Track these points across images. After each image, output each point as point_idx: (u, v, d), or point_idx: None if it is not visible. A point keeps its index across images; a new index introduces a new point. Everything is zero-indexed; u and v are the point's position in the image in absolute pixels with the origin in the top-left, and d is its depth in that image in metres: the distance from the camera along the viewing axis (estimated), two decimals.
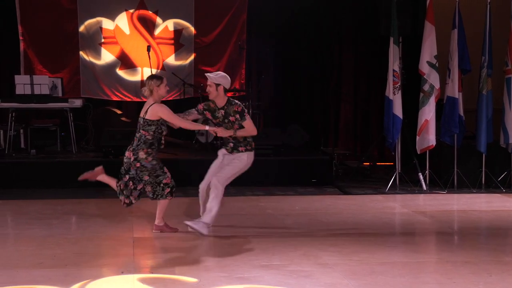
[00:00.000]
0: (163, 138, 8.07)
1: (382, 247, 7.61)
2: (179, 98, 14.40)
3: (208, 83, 8.15)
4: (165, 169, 8.07)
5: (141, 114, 8.00)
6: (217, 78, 8.15)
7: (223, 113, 8.14)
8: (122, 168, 8.01)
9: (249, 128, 8.19)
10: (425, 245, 8.13)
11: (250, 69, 14.96)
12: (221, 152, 8.39)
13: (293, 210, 9.80)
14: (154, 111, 7.91)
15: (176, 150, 12.91)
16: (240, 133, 8.16)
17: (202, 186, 8.35)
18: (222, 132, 8.07)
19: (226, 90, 8.17)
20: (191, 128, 8.69)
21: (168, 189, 8.01)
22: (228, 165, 8.20)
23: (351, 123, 14.99)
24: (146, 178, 7.92)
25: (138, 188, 8.01)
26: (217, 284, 6.22)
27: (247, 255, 7.23)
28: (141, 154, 7.86)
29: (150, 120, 7.90)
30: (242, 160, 8.20)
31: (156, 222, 8.18)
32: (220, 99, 8.16)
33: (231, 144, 8.20)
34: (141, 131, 7.93)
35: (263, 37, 14.94)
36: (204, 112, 8.26)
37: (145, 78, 14.17)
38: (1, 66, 14.33)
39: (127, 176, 7.98)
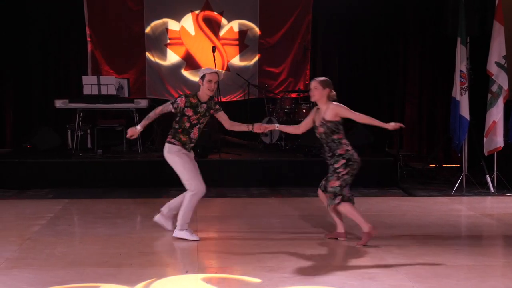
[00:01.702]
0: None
1: (447, 250, 7.51)
2: (243, 99, 14.46)
3: (216, 79, 7.90)
4: None
5: None
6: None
7: (205, 107, 7.96)
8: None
9: (227, 118, 8.21)
10: (492, 248, 7.98)
11: (315, 70, 14.91)
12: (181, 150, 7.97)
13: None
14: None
15: (240, 151, 12.96)
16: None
17: (202, 188, 7.89)
18: (266, 128, 8.12)
19: None
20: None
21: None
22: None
23: (416, 124, 14.84)
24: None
25: None
26: (281, 285, 6.22)
27: (310, 256, 7.20)
28: None
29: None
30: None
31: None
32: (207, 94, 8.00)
33: (192, 145, 8.00)
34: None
35: (328, 37, 14.94)
36: (185, 109, 7.86)
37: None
38: (69, 67, 14.59)
39: None
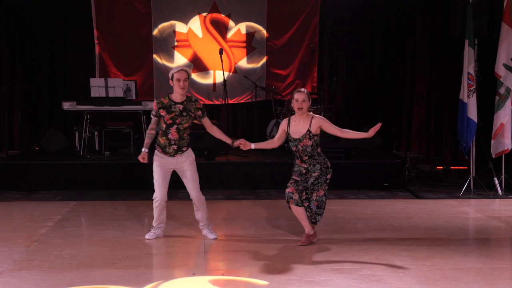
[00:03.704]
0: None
1: (455, 253, 7.49)
2: (250, 101, 14.46)
3: (185, 77, 7.87)
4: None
5: None
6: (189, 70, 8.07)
7: (180, 108, 7.88)
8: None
9: (211, 124, 8.14)
10: (500, 251, 7.96)
11: (322, 72, 14.93)
12: (161, 157, 8.00)
13: (365, 214, 9.72)
14: None
15: (248, 153, 12.95)
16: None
17: (162, 201, 8.05)
18: (246, 145, 7.93)
19: None
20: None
21: None
22: (188, 168, 7.99)
23: (424, 126, 14.81)
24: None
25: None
26: (288, 287, 6.22)
27: (318, 259, 7.20)
28: None
29: None
30: (192, 157, 8.06)
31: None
32: (184, 93, 7.96)
33: (174, 147, 7.89)
34: None
35: (335, 39, 14.93)
36: (159, 110, 7.89)
37: (217, 81, 14.42)
38: (77, 70, 14.61)
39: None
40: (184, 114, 7.88)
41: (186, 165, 7.98)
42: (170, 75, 7.97)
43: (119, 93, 12.67)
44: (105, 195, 11.12)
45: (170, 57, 14.63)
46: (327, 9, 14.62)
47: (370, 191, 11.57)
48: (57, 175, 11.81)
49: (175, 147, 7.89)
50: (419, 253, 7.45)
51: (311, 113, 7.88)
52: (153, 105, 7.98)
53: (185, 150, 7.97)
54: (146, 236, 8.12)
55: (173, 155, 7.92)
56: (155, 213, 8.10)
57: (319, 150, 7.81)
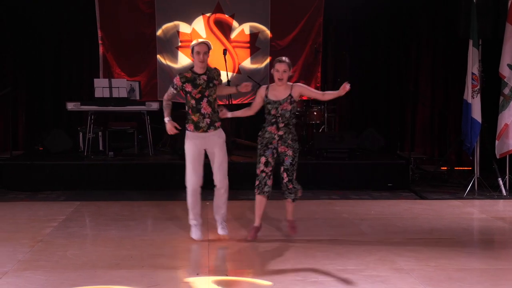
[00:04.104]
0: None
1: (459, 253, 7.48)
2: None
3: (205, 50, 7.90)
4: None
5: None
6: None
7: (205, 79, 7.89)
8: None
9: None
10: (504, 252, 7.93)
11: (326, 72, 14.91)
12: (194, 137, 7.89)
13: (369, 215, 9.72)
14: None
15: (251, 153, 12.94)
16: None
17: (196, 186, 7.92)
18: (224, 113, 7.97)
19: None
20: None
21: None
22: (219, 151, 7.97)
23: (428, 126, 14.79)
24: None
25: None
26: None
27: (321, 259, 7.20)
28: None
29: None
30: (224, 139, 8.04)
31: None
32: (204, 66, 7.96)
33: (208, 120, 7.87)
34: None
35: (339, 40, 14.92)
36: (184, 85, 7.87)
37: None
38: (81, 70, 14.63)
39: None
40: (211, 85, 7.88)
41: (218, 147, 7.93)
42: (190, 47, 7.98)
43: (123, 94, 12.67)
44: (109, 195, 11.12)
45: (174, 57, 14.63)
46: (331, 9, 14.62)
47: (374, 192, 11.56)
48: (61, 175, 11.82)
49: (208, 120, 7.82)
50: (423, 253, 7.44)
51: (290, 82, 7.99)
52: (174, 80, 7.88)
53: (218, 127, 7.93)
54: (194, 237, 7.97)
55: (206, 130, 7.85)
56: (189, 203, 7.91)
57: (294, 121, 7.93)
